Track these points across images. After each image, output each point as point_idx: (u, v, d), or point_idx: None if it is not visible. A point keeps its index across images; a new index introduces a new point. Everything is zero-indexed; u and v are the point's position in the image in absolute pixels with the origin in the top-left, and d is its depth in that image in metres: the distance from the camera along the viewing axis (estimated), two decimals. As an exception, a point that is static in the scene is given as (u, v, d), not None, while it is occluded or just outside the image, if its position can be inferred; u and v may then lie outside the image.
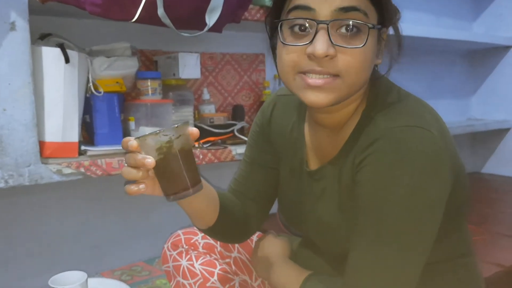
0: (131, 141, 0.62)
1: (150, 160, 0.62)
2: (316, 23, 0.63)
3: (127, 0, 1.10)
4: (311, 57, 0.64)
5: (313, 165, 0.80)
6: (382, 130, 0.65)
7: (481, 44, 2.35)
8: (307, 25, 0.64)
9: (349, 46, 0.63)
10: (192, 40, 1.26)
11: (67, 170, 1.15)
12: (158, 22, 1.16)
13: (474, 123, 2.35)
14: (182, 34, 1.22)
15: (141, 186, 0.65)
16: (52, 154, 1.16)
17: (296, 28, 0.65)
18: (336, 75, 0.64)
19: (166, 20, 1.15)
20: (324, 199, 0.76)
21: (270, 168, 0.89)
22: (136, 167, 0.63)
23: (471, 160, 2.61)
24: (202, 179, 0.72)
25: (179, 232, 0.96)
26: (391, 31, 0.72)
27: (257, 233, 1.01)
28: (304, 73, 0.65)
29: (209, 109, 1.60)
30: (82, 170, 1.16)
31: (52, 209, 1.42)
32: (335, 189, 0.74)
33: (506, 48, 2.46)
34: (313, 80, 0.65)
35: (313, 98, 0.65)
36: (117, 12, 1.11)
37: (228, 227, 0.85)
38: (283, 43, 0.66)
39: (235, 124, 1.57)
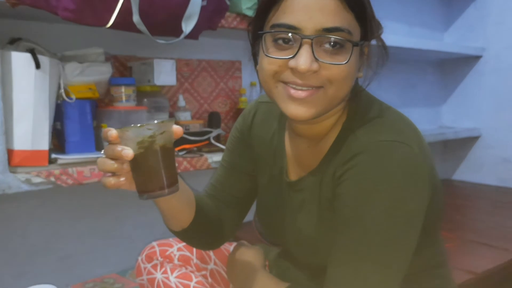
0: (111, 131, 0.60)
1: (128, 151, 0.59)
2: (300, 38, 0.63)
3: (101, 5, 1.07)
4: (294, 71, 0.63)
5: (293, 175, 0.79)
6: (362, 144, 0.66)
7: (452, 54, 2.41)
8: (291, 38, 0.64)
9: (332, 62, 0.63)
10: (167, 46, 1.24)
11: (37, 179, 1.11)
12: (133, 28, 1.14)
13: (445, 131, 2.41)
14: (158, 41, 1.20)
15: (122, 178, 0.62)
16: (21, 163, 1.12)
17: (280, 41, 0.65)
18: (319, 87, 0.64)
19: (141, 26, 1.13)
20: (303, 211, 0.76)
21: (247, 175, 0.88)
22: (113, 158, 0.61)
23: (442, 167, 2.66)
24: (180, 178, 0.70)
25: (154, 243, 0.94)
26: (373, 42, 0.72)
27: (233, 244, 0.99)
28: (286, 83, 0.65)
29: (184, 116, 1.58)
30: (52, 179, 1.13)
31: (20, 219, 1.37)
32: (315, 201, 0.74)
33: (476, 58, 2.53)
34: (296, 91, 0.64)
35: (295, 110, 0.65)
36: (90, 17, 1.08)
37: (203, 231, 0.83)
38: (265, 54, 0.66)
39: (211, 132, 1.56)
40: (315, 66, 0.63)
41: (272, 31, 0.65)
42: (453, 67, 2.64)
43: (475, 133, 2.53)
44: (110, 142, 0.61)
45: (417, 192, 0.64)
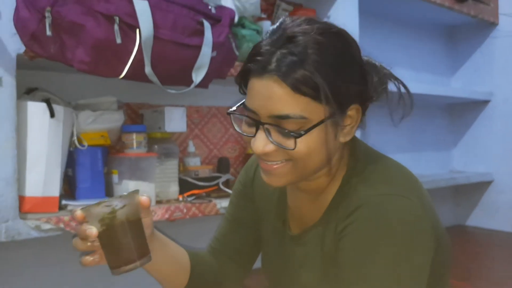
0: (77, 211, 0.63)
1: (92, 231, 0.62)
2: (256, 123, 0.66)
3: (114, 58, 1.12)
4: None
5: (295, 229, 0.79)
6: (362, 198, 0.66)
7: (460, 98, 2.43)
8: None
9: (282, 146, 0.65)
10: (178, 94, 1.28)
11: (46, 226, 1.12)
12: (145, 79, 1.18)
13: (456, 176, 2.39)
14: (169, 91, 1.24)
15: (96, 256, 0.65)
16: (32, 209, 1.14)
17: (248, 120, 0.68)
18: (288, 159, 0.66)
19: (153, 78, 1.17)
20: (307, 266, 0.75)
21: (251, 228, 0.88)
22: (82, 238, 0.63)
23: (454, 213, 2.62)
24: (170, 240, 0.70)
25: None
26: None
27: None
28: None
29: (194, 162, 1.60)
30: (62, 225, 1.14)
31: (28, 266, 1.37)
32: (318, 255, 0.73)
33: (484, 102, 2.54)
34: (265, 164, 0.68)
35: (267, 180, 0.69)
36: (104, 69, 1.12)
37: None
38: (237, 130, 0.70)
39: (220, 177, 1.57)
40: (268, 148, 0.65)
41: (238, 114, 0.69)
42: (462, 112, 2.65)
43: (488, 178, 2.50)
44: (78, 222, 0.64)
45: (420, 245, 0.63)
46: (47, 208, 1.16)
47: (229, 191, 1.53)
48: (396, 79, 0.75)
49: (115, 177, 1.35)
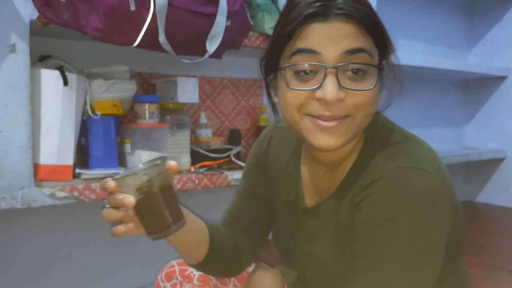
0: (109, 182, 0.62)
1: (130, 199, 0.61)
2: (324, 67, 0.62)
3: (128, 25, 1.10)
4: (321, 101, 0.63)
5: (309, 201, 0.79)
6: (380, 170, 0.65)
7: (476, 74, 2.38)
8: (314, 69, 0.63)
9: (358, 89, 0.63)
10: (191, 64, 1.26)
11: (61, 194, 1.13)
12: (158, 47, 1.16)
13: (469, 153, 2.36)
14: (183, 60, 1.22)
15: (130, 224, 0.65)
16: (46, 177, 1.15)
17: (302, 73, 0.64)
18: (346, 116, 0.64)
19: (167, 46, 1.15)
20: (320, 238, 0.75)
21: (264, 201, 0.87)
22: (116, 207, 0.63)
23: (465, 189, 2.61)
24: (189, 212, 0.71)
25: (174, 262, 0.94)
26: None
27: (252, 266, 0.99)
28: (313, 116, 0.65)
29: (206, 133, 1.60)
30: (76, 194, 1.15)
31: (42, 233, 1.40)
32: (332, 228, 0.73)
33: (501, 78, 2.49)
34: (325, 122, 0.64)
35: (324, 141, 0.65)
36: (118, 37, 1.11)
37: (219, 262, 0.83)
38: (289, 87, 0.65)
39: (231, 149, 1.56)
40: (342, 95, 0.62)
41: (293, 61, 0.64)
42: (477, 87, 2.60)
43: (500, 155, 2.47)
44: (110, 193, 0.63)
45: (438, 219, 0.62)
46: (61, 176, 1.17)
47: (241, 163, 1.53)
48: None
49: (127, 147, 1.35)
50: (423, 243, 0.61)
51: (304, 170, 0.81)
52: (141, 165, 0.66)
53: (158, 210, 0.64)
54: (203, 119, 1.61)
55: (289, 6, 0.65)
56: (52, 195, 1.12)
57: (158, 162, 0.64)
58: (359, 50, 0.62)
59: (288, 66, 0.65)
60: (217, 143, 1.57)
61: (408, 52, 2.23)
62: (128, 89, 1.33)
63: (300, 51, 0.63)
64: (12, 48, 1.04)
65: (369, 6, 0.65)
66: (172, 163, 0.66)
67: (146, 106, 1.36)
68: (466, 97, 2.66)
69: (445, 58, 2.41)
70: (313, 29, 0.62)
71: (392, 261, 0.61)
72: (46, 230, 1.40)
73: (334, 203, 0.72)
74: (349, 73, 0.63)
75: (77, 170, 1.21)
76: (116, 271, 1.52)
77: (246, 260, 0.89)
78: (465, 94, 2.66)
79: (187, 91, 1.42)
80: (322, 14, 0.62)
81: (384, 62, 0.68)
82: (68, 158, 1.18)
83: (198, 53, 1.25)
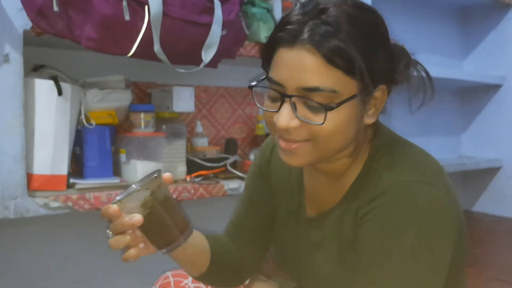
0: (112, 207, 0.61)
1: (138, 217, 0.60)
2: (281, 96, 0.63)
3: (123, 35, 1.10)
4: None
5: (311, 211, 0.78)
6: (387, 184, 0.64)
7: (472, 82, 2.39)
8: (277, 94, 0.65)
9: (310, 122, 0.62)
10: (187, 73, 1.26)
11: (54, 204, 1.12)
12: (153, 57, 1.16)
13: (466, 162, 2.36)
14: (178, 70, 1.22)
15: (141, 245, 0.64)
16: (40, 187, 1.14)
17: (271, 94, 0.66)
18: (306, 140, 0.64)
19: (162, 56, 1.15)
20: (322, 249, 0.74)
21: (267, 211, 0.87)
22: (122, 231, 0.62)
23: (462, 198, 2.61)
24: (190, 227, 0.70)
25: (168, 273, 0.93)
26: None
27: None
28: (279, 136, 0.66)
29: (202, 142, 1.59)
30: (70, 204, 1.14)
31: (35, 243, 1.38)
32: (335, 239, 0.72)
33: (496, 86, 2.50)
34: (285, 143, 0.65)
35: (286, 159, 0.67)
36: (112, 46, 1.10)
37: (221, 273, 0.82)
38: (259, 106, 0.68)
39: (227, 158, 1.56)
40: (293, 123, 0.62)
41: (260, 85, 0.67)
42: (473, 96, 2.61)
43: (497, 164, 2.47)
44: (113, 218, 0.62)
45: (443, 236, 0.62)
46: (55, 186, 1.16)
47: (237, 172, 1.52)
48: (421, 66, 0.73)
49: (122, 156, 1.34)
50: (427, 260, 0.61)
51: (307, 179, 0.80)
52: (134, 186, 0.65)
53: (165, 222, 0.63)
54: (199, 128, 1.60)
55: (281, 19, 0.65)
56: (46, 205, 1.11)
57: (155, 175, 0.63)
58: (317, 89, 0.61)
59: (255, 86, 0.68)
60: (213, 152, 1.56)
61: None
62: (123, 98, 1.32)
63: (269, 79, 0.65)
64: (6, 58, 1.04)
65: (346, 33, 0.60)
66: (166, 175, 0.65)
67: (142, 115, 1.35)
68: (462, 106, 2.67)
69: (440, 67, 2.42)
70: (281, 55, 0.63)
71: (395, 277, 0.61)
72: (40, 240, 1.39)
73: (338, 214, 0.72)
74: (308, 103, 0.63)
75: (71, 180, 1.20)
76: (111, 282, 1.50)
77: (248, 271, 0.88)
78: (461, 103, 2.67)
79: (183, 100, 1.42)
80: (287, 40, 0.62)
81: (349, 98, 0.62)
82: (62, 168, 1.17)
83: (193, 62, 1.25)
